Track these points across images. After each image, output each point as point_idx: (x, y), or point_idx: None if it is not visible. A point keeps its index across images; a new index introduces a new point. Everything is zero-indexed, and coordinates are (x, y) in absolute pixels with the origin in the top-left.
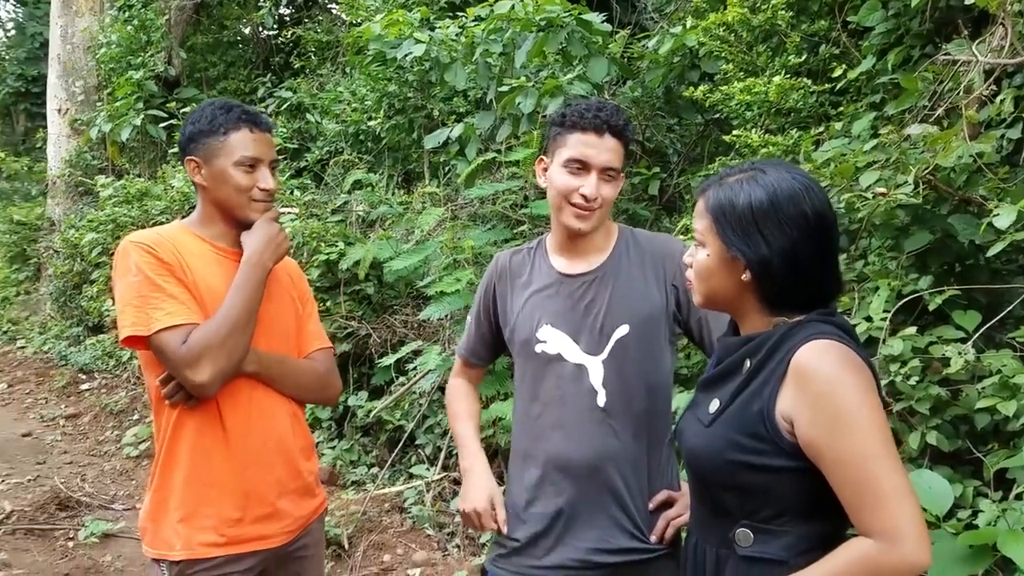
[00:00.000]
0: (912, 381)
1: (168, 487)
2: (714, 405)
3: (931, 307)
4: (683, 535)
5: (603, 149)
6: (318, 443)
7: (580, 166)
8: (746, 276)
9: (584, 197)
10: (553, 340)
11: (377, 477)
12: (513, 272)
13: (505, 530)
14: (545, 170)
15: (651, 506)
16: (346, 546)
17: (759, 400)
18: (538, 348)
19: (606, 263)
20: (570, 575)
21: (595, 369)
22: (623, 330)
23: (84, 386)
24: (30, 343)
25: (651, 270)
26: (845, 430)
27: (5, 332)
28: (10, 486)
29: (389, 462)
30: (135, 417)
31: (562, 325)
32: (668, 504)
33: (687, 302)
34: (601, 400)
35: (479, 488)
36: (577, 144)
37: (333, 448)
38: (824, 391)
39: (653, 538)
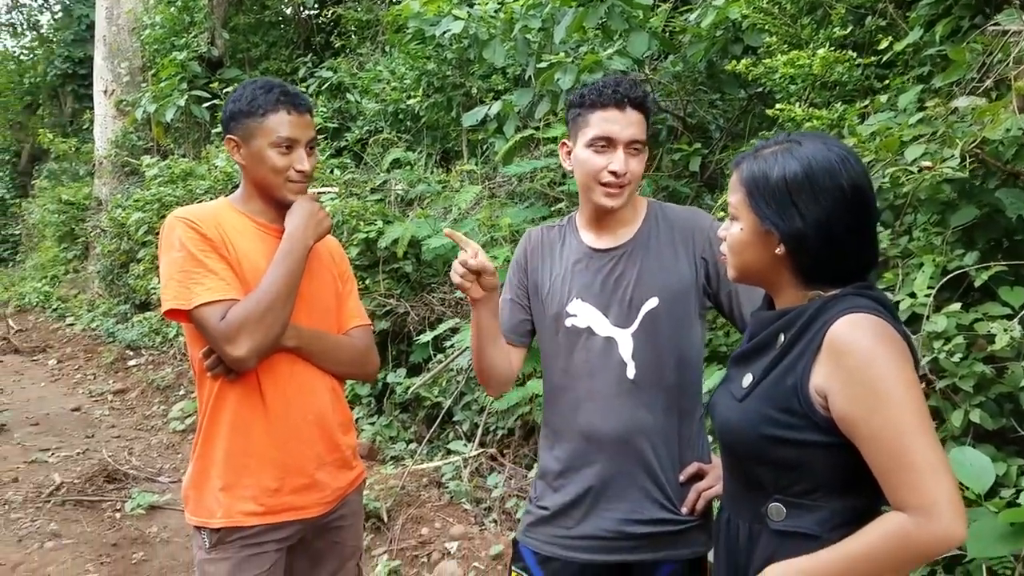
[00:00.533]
0: (956, 358)
1: (210, 457)
2: (747, 380)
3: (977, 283)
4: (714, 507)
5: (626, 124)
6: (358, 419)
7: (605, 143)
8: (780, 250)
9: (614, 174)
10: (583, 314)
11: (415, 452)
12: (544, 248)
13: (476, 258)
14: (569, 153)
15: (682, 478)
16: (385, 519)
17: (793, 375)
18: (568, 322)
19: (635, 237)
20: (602, 545)
21: (625, 342)
22: (652, 303)
23: (131, 362)
24: (79, 320)
25: (680, 243)
26: (880, 404)
27: (55, 310)
28: (60, 459)
29: (427, 438)
30: (181, 392)
31: (592, 299)
32: (699, 476)
33: (717, 275)
34: (631, 372)
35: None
36: (600, 122)
37: (373, 424)
38: (859, 365)
39: (684, 510)
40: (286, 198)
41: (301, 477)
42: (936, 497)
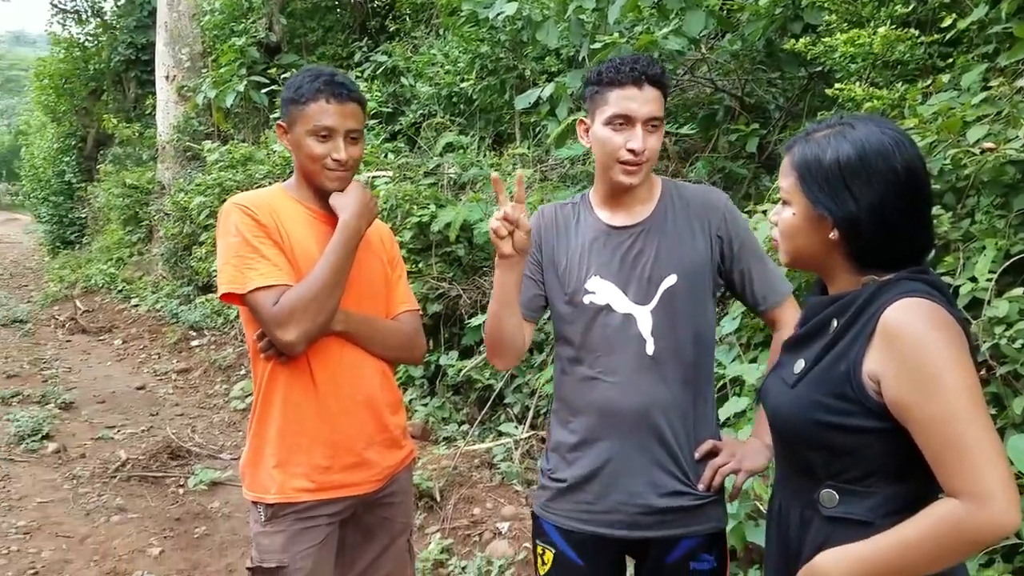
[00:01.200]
0: (1017, 344)
1: (264, 435)
2: (799, 365)
3: None
4: (727, 484)
5: (644, 101)
6: (411, 400)
7: (624, 121)
8: (833, 235)
9: (632, 151)
10: (602, 291)
11: (467, 434)
12: (560, 225)
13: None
14: (587, 131)
15: (697, 455)
16: (438, 499)
17: (846, 360)
18: (586, 299)
19: (652, 215)
20: (623, 519)
21: (644, 318)
22: (671, 280)
23: (194, 342)
24: (143, 301)
25: (696, 221)
26: (934, 390)
27: (120, 291)
28: (125, 436)
29: (479, 419)
30: (242, 372)
31: (610, 276)
32: (713, 453)
33: (732, 253)
34: (650, 348)
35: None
36: (619, 100)
37: (425, 405)
38: (913, 350)
39: (701, 487)
40: (324, 186)
41: (350, 455)
42: (989, 484)
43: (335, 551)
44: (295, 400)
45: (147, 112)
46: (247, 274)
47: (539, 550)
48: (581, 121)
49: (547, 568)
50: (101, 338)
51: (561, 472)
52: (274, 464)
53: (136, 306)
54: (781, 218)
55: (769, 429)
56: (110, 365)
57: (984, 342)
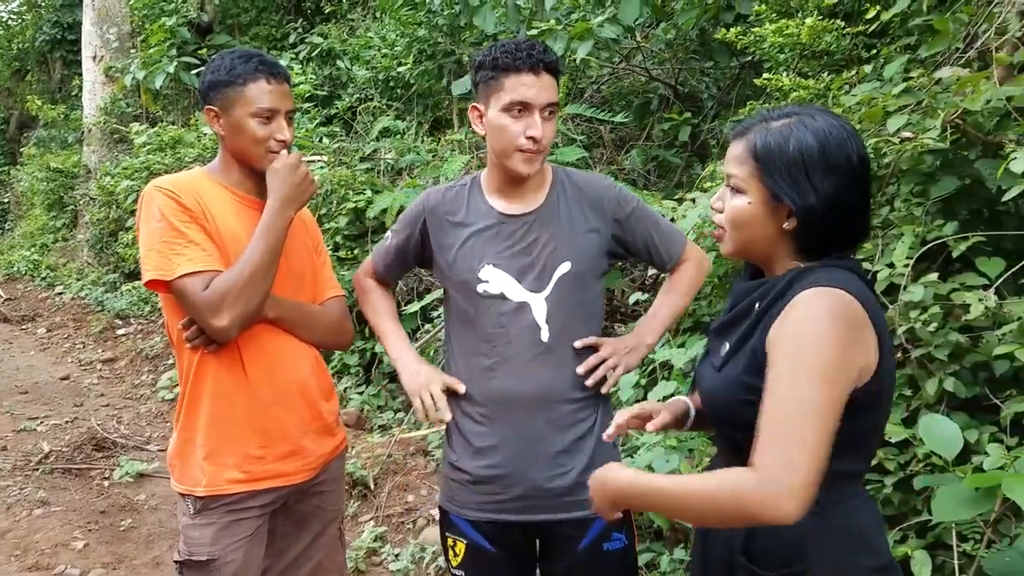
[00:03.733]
0: (932, 327)
1: (193, 427)
2: (724, 349)
3: (955, 254)
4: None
5: (542, 88)
6: (346, 388)
7: (522, 108)
8: (789, 224)
9: (532, 139)
10: (496, 280)
11: (403, 421)
12: (446, 209)
13: (447, 418)
14: (480, 117)
15: (577, 345)
16: (372, 487)
17: (759, 338)
18: (480, 288)
19: (545, 203)
20: (530, 504)
21: (538, 306)
22: (565, 267)
23: (120, 331)
24: (68, 289)
25: (590, 208)
26: (791, 370)
27: (44, 278)
28: (49, 427)
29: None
30: (169, 361)
31: (504, 265)
32: (595, 349)
33: (631, 229)
34: (545, 335)
35: (423, 372)
36: (516, 86)
37: (361, 393)
38: (795, 329)
39: (588, 382)
40: (266, 168)
41: (285, 444)
42: (785, 471)
43: (265, 541)
44: (225, 390)
45: (73, 93)
46: (174, 260)
47: (450, 542)
48: (474, 107)
49: (459, 559)
50: (24, 327)
51: (465, 462)
52: (204, 456)
53: (60, 294)
54: (731, 206)
55: (655, 328)
56: (33, 355)
57: (900, 326)
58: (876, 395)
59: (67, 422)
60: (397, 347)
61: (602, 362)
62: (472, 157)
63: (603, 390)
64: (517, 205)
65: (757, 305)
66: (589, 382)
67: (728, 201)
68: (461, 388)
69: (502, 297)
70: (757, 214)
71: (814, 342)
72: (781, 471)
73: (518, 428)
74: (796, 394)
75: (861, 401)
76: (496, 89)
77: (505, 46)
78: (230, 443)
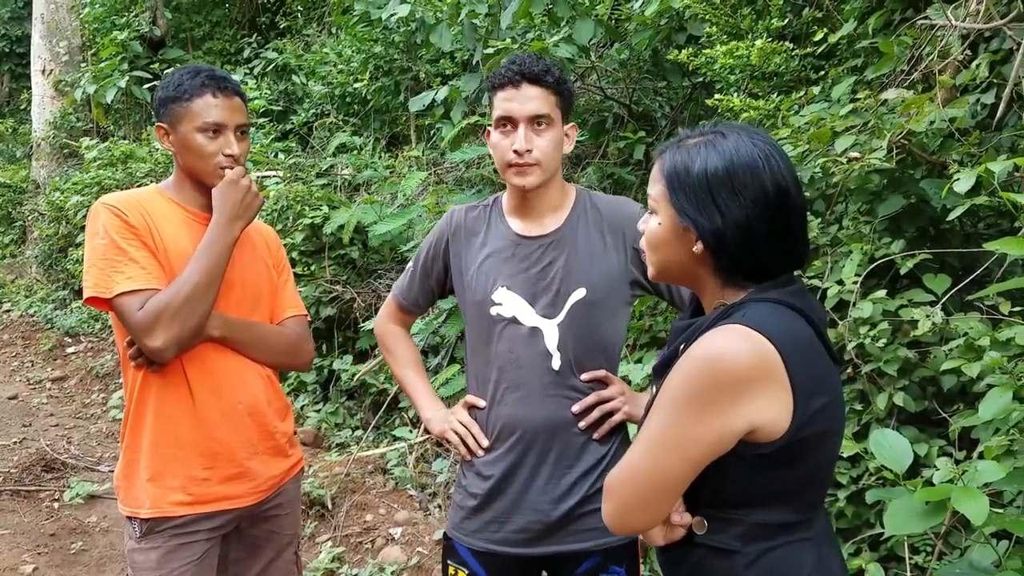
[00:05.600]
0: (881, 343)
1: (137, 447)
2: (655, 388)
3: (903, 271)
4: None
5: (523, 100)
6: (303, 406)
7: (507, 122)
8: (698, 248)
9: (517, 152)
10: (508, 303)
11: (361, 439)
12: (468, 229)
13: (484, 446)
14: (488, 137)
15: (585, 377)
16: (329, 506)
17: None
18: (493, 311)
19: (564, 226)
20: (529, 536)
21: (550, 332)
22: (579, 293)
23: (70, 349)
24: (16, 306)
25: (610, 233)
26: (660, 404)
27: None
28: None
29: (373, 424)
30: (120, 380)
31: (518, 288)
32: (604, 383)
33: None
34: (555, 363)
35: (448, 412)
36: (500, 102)
37: (318, 411)
38: (680, 365)
39: (582, 424)
40: (215, 184)
41: (231, 466)
42: (616, 489)
43: (215, 567)
44: (169, 410)
45: (21, 107)
46: (114, 277)
47: (451, 571)
48: (487, 130)
49: None
50: None
51: (473, 487)
52: (148, 477)
53: (8, 311)
54: (648, 227)
55: None
56: None
57: (850, 341)
58: (789, 450)
59: (15, 443)
60: (424, 403)
61: (601, 402)
62: (430, 174)
63: (595, 436)
64: (534, 227)
65: (682, 346)
66: (582, 424)
67: (647, 223)
68: (481, 402)
69: (515, 321)
70: (667, 237)
71: (684, 382)
72: (612, 487)
73: (523, 455)
74: (652, 431)
75: (776, 456)
76: (492, 109)
77: (503, 64)
78: (174, 465)
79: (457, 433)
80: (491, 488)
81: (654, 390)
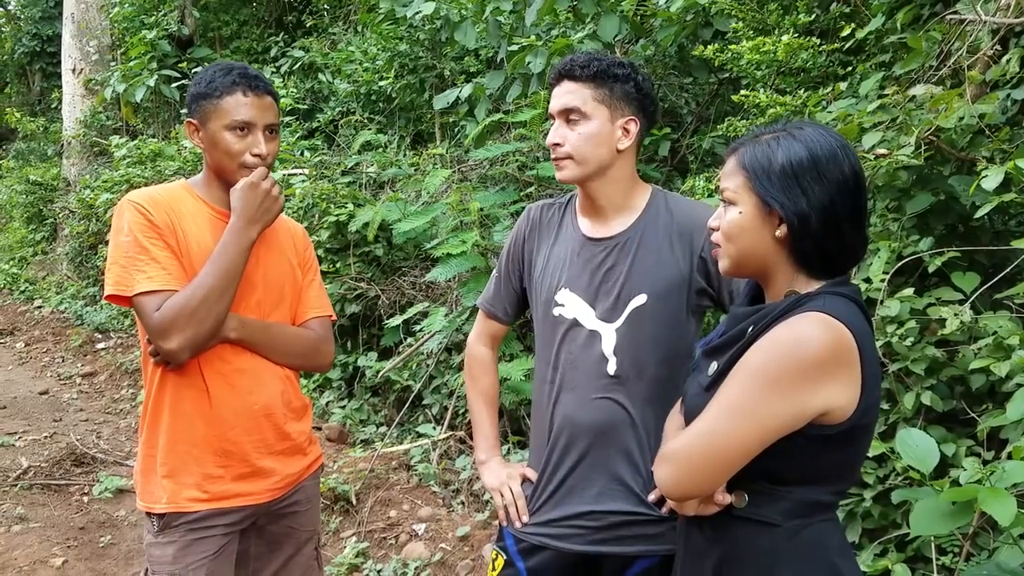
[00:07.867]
0: (908, 342)
1: (154, 444)
2: (712, 368)
3: (931, 269)
4: None
5: (559, 95)
6: (328, 403)
7: (551, 118)
8: (781, 231)
9: (552, 146)
10: (571, 304)
11: (385, 436)
12: (543, 228)
13: (524, 520)
14: None
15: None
16: (354, 502)
17: None
18: (556, 311)
19: (631, 228)
20: (574, 533)
21: (608, 336)
22: (640, 299)
23: (100, 345)
24: (47, 303)
25: (678, 238)
26: (738, 379)
27: (23, 292)
28: (27, 443)
29: (397, 421)
30: None
31: (580, 290)
32: None
33: (719, 274)
34: (612, 368)
35: (505, 471)
36: (551, 100)
37: (343, 408)
38: (764, 344)
39: (651, 497)
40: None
41: (244, 466)
42: (680, 456)
43: (234, 562)
44: (185, 408)
45: (52, 106)
46: (134, 276)
47: (493, 554)
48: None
49: (495, 574)
50: (2, 341)
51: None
52: (164, 474)
53: (39, 307)
54: (725, 219)
55: None
56: (11, 369)
57: (878, 340)
58: (850, 433)
59: (46, 437)
60: (483, 444)
61: None
62: (454, 171)
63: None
64: (602, 228)
65: (751, 329)
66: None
67: (723, 217)
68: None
69: (575, 323)
70: (749, 223)
71: (767, 361)
72: (676, 452)
73: (576, 455)
74: (726, 406)
75: (838, 438)
76: None
77: None
78: (189, 462)
79: (504, 498)
80: (543, 482)
81: (708, 370)
